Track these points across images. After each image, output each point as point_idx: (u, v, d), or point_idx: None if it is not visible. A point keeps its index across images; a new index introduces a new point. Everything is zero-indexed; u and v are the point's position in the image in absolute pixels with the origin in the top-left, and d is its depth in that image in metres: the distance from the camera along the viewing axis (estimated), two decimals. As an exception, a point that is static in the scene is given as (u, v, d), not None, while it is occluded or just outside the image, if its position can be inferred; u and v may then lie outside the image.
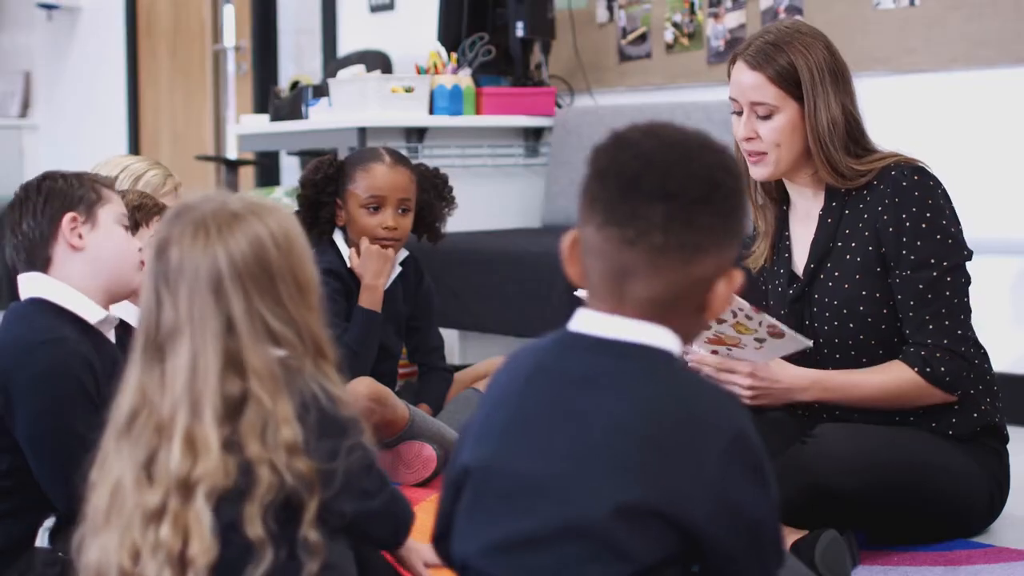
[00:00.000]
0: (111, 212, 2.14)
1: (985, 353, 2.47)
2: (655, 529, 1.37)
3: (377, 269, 3.15)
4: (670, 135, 1.45)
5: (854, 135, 2.44)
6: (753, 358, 2.38)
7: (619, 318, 1.44)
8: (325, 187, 3.18)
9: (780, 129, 2.43)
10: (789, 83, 2.42)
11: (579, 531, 1.38)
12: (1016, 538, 2.48)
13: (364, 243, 3.15)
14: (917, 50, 3.86)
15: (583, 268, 1.47)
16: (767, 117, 2.44)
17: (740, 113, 2.48)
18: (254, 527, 1.46)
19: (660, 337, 1.44)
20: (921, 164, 2.45)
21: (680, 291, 1.44)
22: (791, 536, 2.22)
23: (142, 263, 2.16)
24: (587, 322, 1.47)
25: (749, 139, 2.45)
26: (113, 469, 1.53)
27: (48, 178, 2.14)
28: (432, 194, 3.29)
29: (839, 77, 2.43)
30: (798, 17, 4.12)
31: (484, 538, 1.43)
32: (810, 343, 2.35)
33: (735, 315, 2.25)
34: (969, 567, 2.32)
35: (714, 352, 2.39)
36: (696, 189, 1.41)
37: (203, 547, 1.46)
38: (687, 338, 1.48)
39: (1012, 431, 2.61)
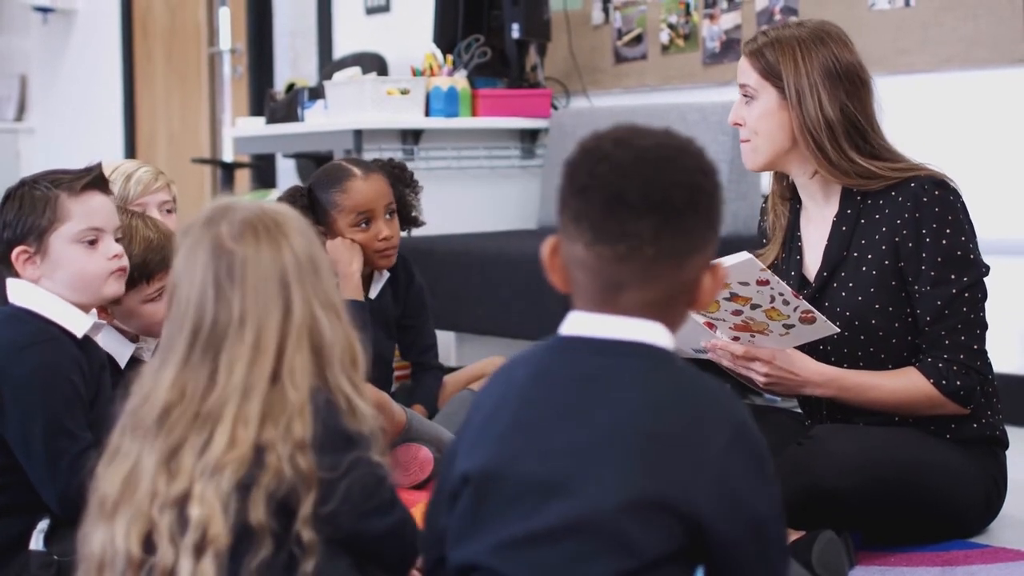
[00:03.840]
0: (65, 234, 2.09)
1: (991, 365, 2.47)
2: (662, 523, 1.38)
3: (348, 258, 3.11)
4: (643, 143, 1.44)
5: (863, 135, 2.44)
6: (776, 345, 2.38)
7: (613, 317, 1.45)
8: None
9: (759, 115, 2.46)
10: (770, 71, 2.44)
11: (588, 526, 1.38)
12: (1013, 538, 2.48)
13: (328, 243, 3.10)
14: (912, 51, 3.86)
15: (567, 275, 1.47)
16: (750, 103, 2.48)
17: None
18: (257, 513, 1.47)
19: (656, 333, 1.45)
20: (943, 177, 2.43)
21: (673, 292, 1.45)
22: (788, 537, 2.22)
23: (121, 270, 2.15)
24: (581, 324, 1.47)
25: (736, 124, 2.50)
26: (126, 462, 1.53)
27: (9, 198, 2.09)
28: (400, 187, 3.26)
29: (843, 78, 2.42)
30: (793, 18, 4.12)
31: (492, 538, 1.43)
32: (838, 329, 2.35)
33: (772, 300, 2.25)
34: (966, 567, 2.31)
35: (736, 339, 2.39)
36: (680, 197, 1.42)
37: (222, 531, 1.46)
38: (675, 329, 1.48)
39: (1012, 431, 2.61)
